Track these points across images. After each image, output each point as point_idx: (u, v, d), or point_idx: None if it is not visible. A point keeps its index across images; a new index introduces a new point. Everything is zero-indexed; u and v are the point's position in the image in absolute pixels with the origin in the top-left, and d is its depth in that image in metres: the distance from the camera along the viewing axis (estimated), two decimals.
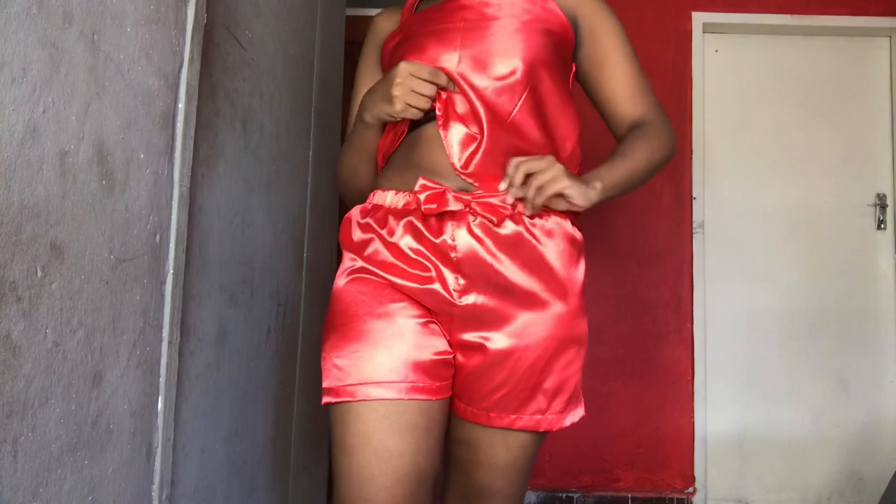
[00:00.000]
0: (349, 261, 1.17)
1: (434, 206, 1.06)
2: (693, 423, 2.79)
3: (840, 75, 2.99)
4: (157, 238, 1.13)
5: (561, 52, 1.20)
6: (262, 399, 1.67)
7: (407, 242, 1.10)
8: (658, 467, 2.78)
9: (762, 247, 2.92)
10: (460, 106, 1.11)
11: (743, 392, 2.86)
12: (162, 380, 1.15)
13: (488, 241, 1.07)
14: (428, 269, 1.09)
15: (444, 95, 1.10)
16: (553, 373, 1.08)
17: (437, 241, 1.08)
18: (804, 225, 2.92)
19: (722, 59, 3.00)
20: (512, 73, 1.11)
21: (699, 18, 2.94)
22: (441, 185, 1.09)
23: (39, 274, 0.84)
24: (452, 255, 1.07)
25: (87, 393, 0.95)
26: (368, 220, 1.15)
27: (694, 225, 2.87)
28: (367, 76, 1.31)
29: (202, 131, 1.30)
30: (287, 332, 1.84)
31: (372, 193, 1.18)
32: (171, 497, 1.20)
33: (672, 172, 2.89)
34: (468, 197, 1.08)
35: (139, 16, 1.06)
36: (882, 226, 2.90)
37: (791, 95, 2.98)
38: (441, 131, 1.10)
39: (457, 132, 1.10)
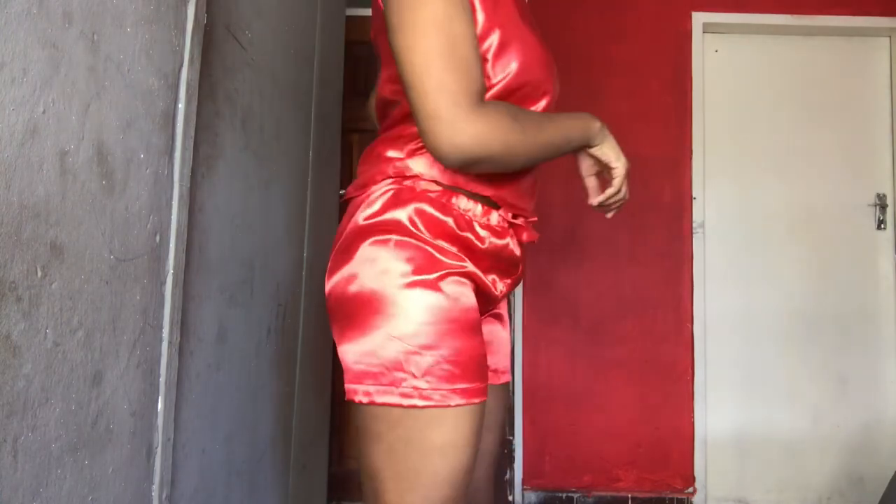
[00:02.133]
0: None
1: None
2: (693, 422, 2.79)
3: (840, 75, 2.99)
4: (157, 238, 1.13)
5: None
6: (262, 399, 1.67)
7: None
8: (658, 467, 2.78)
9: (762, 247, 2.92)
10: None
11: (743, 392, 2.86)
12: (162, 380, 1.15)
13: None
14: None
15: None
16: None
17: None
18: (804, 225, 2.92)
19: (722, 59, 3.00)
20: None
21: (699, 18, 2.94)
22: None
23: (39, 274, 0.84)
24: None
25: (87, 393, 0.95)
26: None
27: (694, 225, 2.87)
28: (465, 11, 0.88)
29: (202, 131, 1.30)
30: (287, 332, 1.84)
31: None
32: (171, 497, 1.20)
33: (672, 172, 2.89)
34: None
35: (139, 16, 1.06)
36: (882, 226, 2.90)
37: (791, 95, 2.98)
38: None
39: None
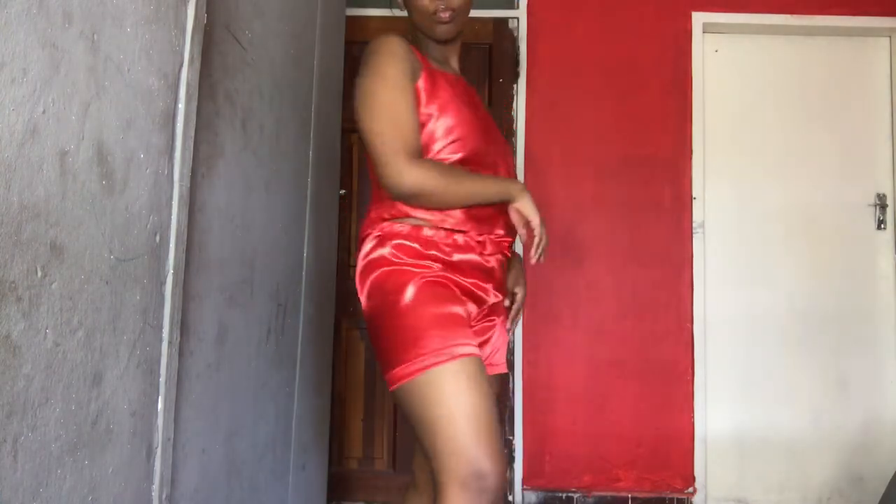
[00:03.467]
0: None
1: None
2: (693, 423, 2.79)
3: (840, 75, 2.99)
4: (157, 238, 1.13)
5: None
6: (262, 399, 1.67)
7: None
8: (658, 467, 2.78)
9: (762, 247, 2.92)
10: None
11: (743, 392, 2.86)
12: (162, 380, 1.15)
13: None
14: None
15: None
16: None
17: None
18: (804, 225, 2.92)
19: (722, 59, 3.00)
20: None
21: (699, 18, 2.94)
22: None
23: (39, 274, 0.84)
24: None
25: (87, 393, 0.95)
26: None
27: (694, 225, 2.87)
28: (404, 96, 1.32)
29: (202, 131, 1.30)
30: (287, 332, 1.84)
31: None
32: (171, 497, 1.20)
33: (672, 172, 2.89)
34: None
35: (139, 16, 1.06)
36: (882, 226, 2.90)
37: (791, 95, 2.98)
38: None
39: None
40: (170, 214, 1.17)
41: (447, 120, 1.34)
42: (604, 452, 2.78)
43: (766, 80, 2.99)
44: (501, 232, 1.42)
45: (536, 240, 1.34)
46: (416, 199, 1.30)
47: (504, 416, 2.77)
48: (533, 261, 1.35)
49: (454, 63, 1.52)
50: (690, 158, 2.89)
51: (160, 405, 1.15)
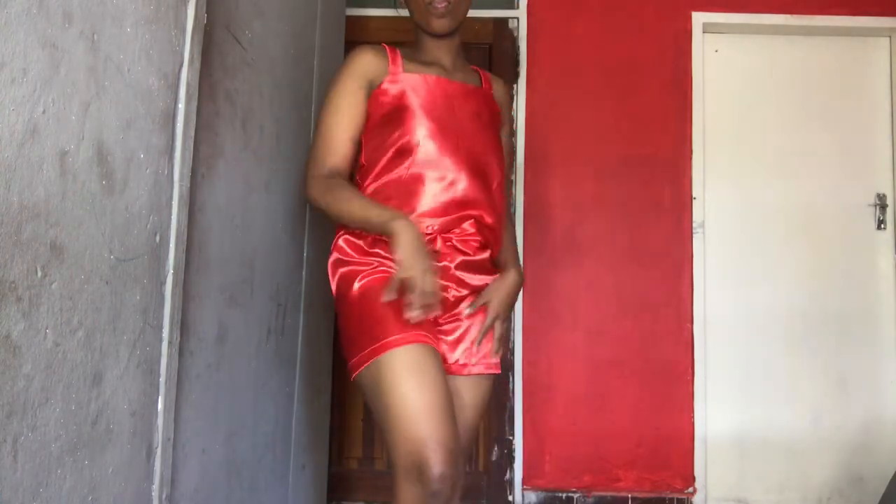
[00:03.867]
0: None
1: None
2: (693, 423, 2.79)
3: (840, 75, 2.98)
4: (157, 238, 1.13)
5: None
6: (262, 399, 1.67)
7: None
8: (658, 467, 2.78)
9: (762, 247, 2.91)
10: None
11: (743, 392, 2.86)
12: (162, 380, 1.15)
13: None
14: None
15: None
16: None
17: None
18: (804, 225, 2.92)
19: (722, 59, 3.00)
20: None
21: (699, 18, 2.94)
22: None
23: (39, 274, 0.84)
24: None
25: (87, 393, 0.95)
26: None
27: (694, 225, 2.87)
28: (346, 109, 1.44)
29: (202, 131, 1.30)
30: (287, 332, 1.84)
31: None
32: (171, 497, 1.20)
33: (672, 172, 2.89)
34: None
35: (139, 16, 1.06)
36: (882, 226, 2.90)
37: (791, 95, 2.98)
38: None
39: None
40: (170, 214, 1.17)
41: (399, 130, 1.39)
42: (604, 452, 2.77)
43: (766, 80, 2.99)
44: (457, 231, 1.43)
45: (395, 282, 1.25)
46: (316, 210, 1.43)
47: (504, 415, 2.77)
48: (410, 314, 1.23)
49: (447, 62, 1.51)
50: (690, 158, 2.89)
51: (160, 405, 1.15)
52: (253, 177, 1.59)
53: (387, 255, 1.35)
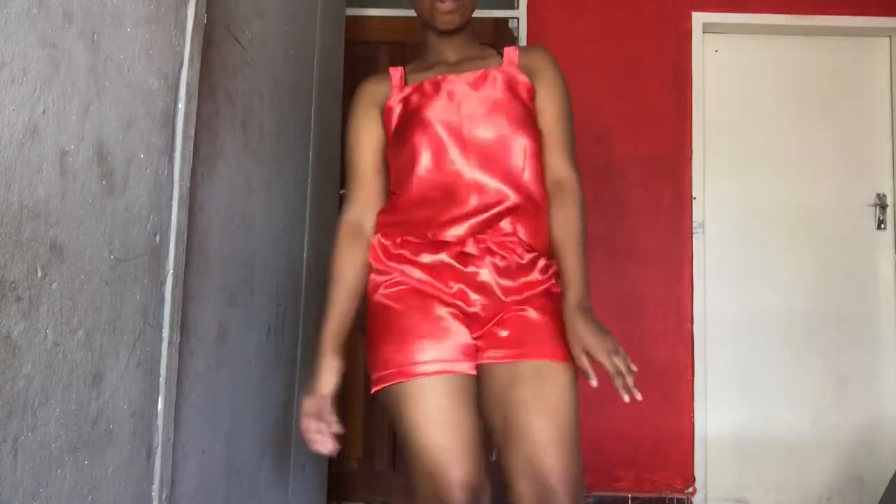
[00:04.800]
0: None
1: None
2: (693, 423, 2.79)
3: (840, 75, 2.98)
4: (157, 238, 1.13)
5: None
6: (262, 399, 1.67)
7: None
8: (658, 467, 2.78)
9: (762, 247, 2.91)
10: None
11: (743, 392, 2.86)
12: (162, 380, 1.15)
13: None
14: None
15: None
16: None
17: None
18: (804, 225, 2.92)
19: (722, 59, 3.00)
20: None
21: (699, 18, 2.94)
22: None
23: (39, 274, 0.84)
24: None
25: (87, 393, 0.95)
26: None
27: (694, 225, 2.87)
28: (360, 147, 1.48)
29: (202, 131, 1.30)
30: (287, 332, 1.84)
31: None
32: (171, 497, 1.20)
33: (672, 172, 2.89)
34: None
35: (139, 16, 1.06)
36: (882, 226, 2.90)
37: (791, 95, 2.98)
38: None
39: None
40: (170, 214, 1.17)
41: (407, 145, 1.38)
42: (604, 452, 2.77)
43: (766, 80, 2.99)
44: (490, 231, 1.34)
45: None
46: None
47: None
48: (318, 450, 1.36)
49: (454, 58, 1.47)
50: (690, 158, 2.89)
51: (160, 405, 1.15)
52: (253, 177, 1.59)
53: (410, 257, 1.35)
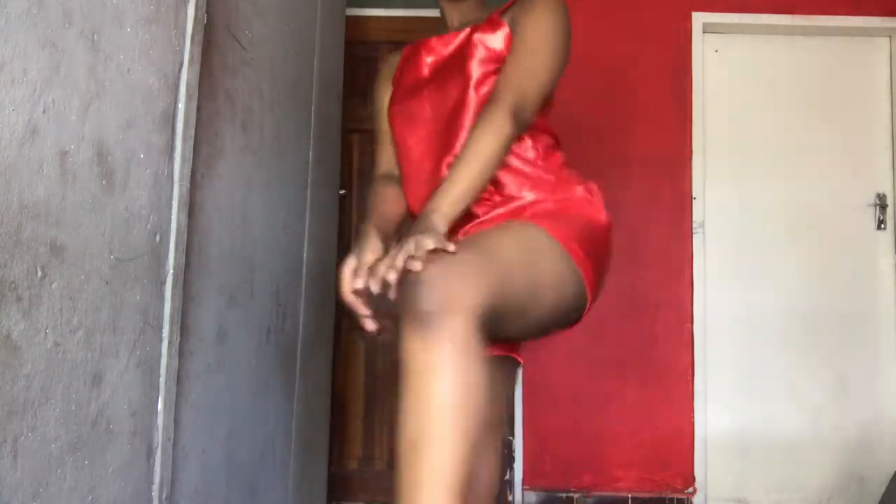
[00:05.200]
0: None
1: None
2: (693, 423, 2.79)
3: (840, 75, 2.98)
4: (157, 238, 1.13)
5: None
6: (262, 399, 1.67)
7: None
8: (658, 467, 2.78)
9: (762, 247, 2.91)
10: None
11: (743, 392, 2.86)
12: (162, 380, 1.15)
13: None
14: None
15: None
16: None
17: None
18: (804, 225, 2.92)
19: (722, 59, 3.00)
20: None
21: (699, 18, 2.94)
22: None
23: (39, 274, 0.84)
24: None
25: (87, 393, 0.95)
26: None
27: (694, 225, 2.87)
28: (380, 123, 1.49)
29: (202, 131, 1.30)
30: (287, 332, 1.84)
31: None
32: (171, 497, 1.20)
33: (672, 172, 2.89)
34: None
35: (139, 16, 1.06)
36: (882, 226, 2.90)
37: (791, 95, 2.98)
38: None
39: None
40: (170, 214, 1.17)
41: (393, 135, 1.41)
42: (604, 452, 2.77)
43: (766, 80, 2.99)
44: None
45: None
46: None
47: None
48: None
49: (457, 22, 1.40)
50: (690, 158, 2.89)
51: (160, 405, 1.15)
52: (253, 177, 1.59)
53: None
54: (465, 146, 1.16)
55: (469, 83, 1.27)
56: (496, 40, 1.31)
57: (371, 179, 1.47)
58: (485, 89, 1.26)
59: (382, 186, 1.40)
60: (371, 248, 1.17)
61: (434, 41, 1.37)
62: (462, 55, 1.31)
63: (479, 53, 1.29)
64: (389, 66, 1.49)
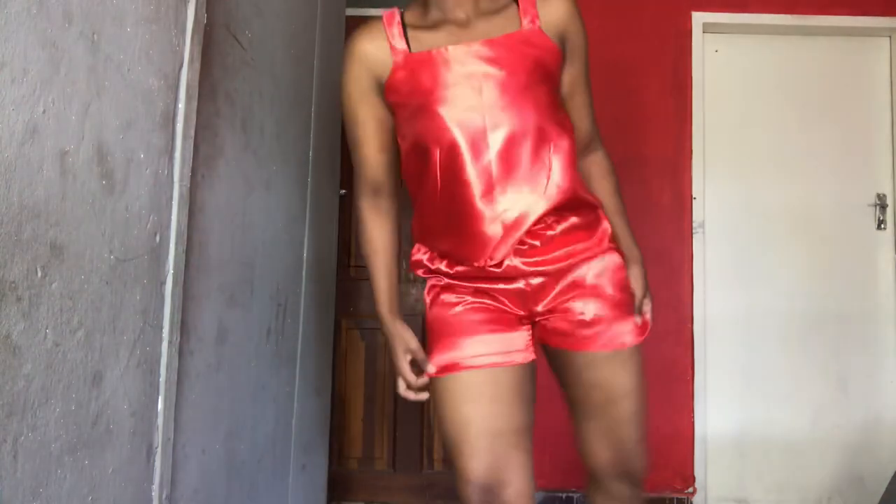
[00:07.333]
0: None
1: None
2: (693, 422, 2.79)
3: (840, 75, 2.98)
4: (157, 238, 1.13)
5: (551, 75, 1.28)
6: (262, 399, 1.67)
7: None
8: (658, 467, 2.77)
9: (762, 247, 2.91)
10: None
11: (743, 392, 2.85)
12: (162, 380, 1.15)
13: None
14: None
15: None
16: None
17: None
18: (804, 225, 2.92)
19: (722, 59, 3.00)
20: None
21: (699, 18, 2.94)
22: None
23: (39, 274, 0.84)
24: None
25: (87, 393, 0.95)
26: None
27: (694, 225, 2.87)
28: (365, 135, 1.29)
29: (202, 131, 1.30)
30: (287, 332, 1.84)
31: None
32: (171, 497, 1.20)
33: (672, 172, 2.89)
34: None
35: (139, 16, 1.06)
36: (882, 226, 2.90)
37: (791, 95, 2.98)
38: None
39: None
40: (170, 214, 1.17)
41: (421, 140, 1.21)
42: None
43: (766, 80, 2.99)
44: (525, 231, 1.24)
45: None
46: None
47: None
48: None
49: (463, 12, 1.23)
50: (690, 158, 2.89)
51: (160, 405, 1.15)
52: (253, 177, 1.59)
53: (446, 270, 1.30)
54: (612, 195, 1.46)
55: (539, 109, 1.21)
56: (547, 55, 1.24)
57: (355, 195, 1.32)
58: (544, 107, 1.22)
59: (374, 213, 1.31)
60: (409, 336, 1.32)
61: (463, 53, 1.19)
62: (522, 65, 1.20)
63: (531, 68, 1.21)
64: (365, 59, 1.27)
